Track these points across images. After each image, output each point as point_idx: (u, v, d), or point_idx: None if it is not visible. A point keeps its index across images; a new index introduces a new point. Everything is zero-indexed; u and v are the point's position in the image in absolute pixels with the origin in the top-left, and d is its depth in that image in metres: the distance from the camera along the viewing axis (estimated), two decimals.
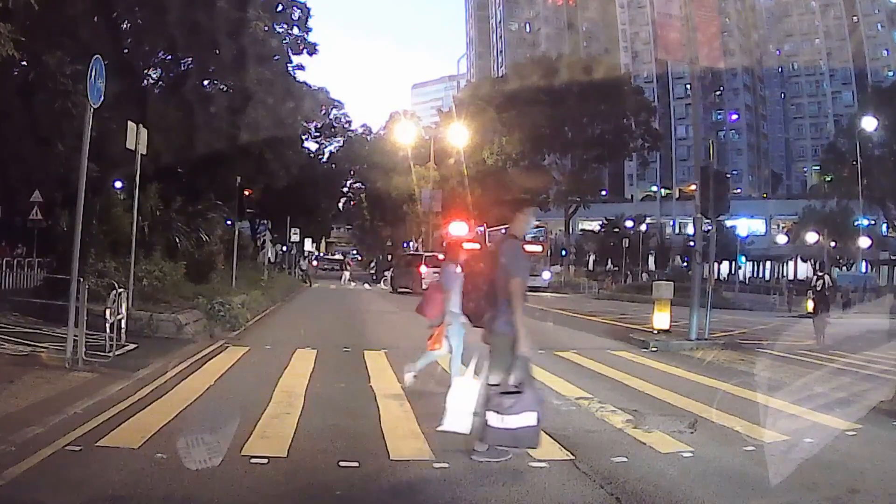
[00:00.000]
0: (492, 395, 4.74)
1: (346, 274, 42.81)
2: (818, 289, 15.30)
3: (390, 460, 4.83)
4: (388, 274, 43.47)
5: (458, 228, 41.64)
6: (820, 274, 16.28)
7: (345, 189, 59.72)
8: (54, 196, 16.57)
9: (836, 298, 20.76)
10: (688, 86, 62.98)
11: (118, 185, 15.48)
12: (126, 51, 19.61)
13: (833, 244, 45.82)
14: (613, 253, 56.43)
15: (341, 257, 76.72)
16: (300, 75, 28.75)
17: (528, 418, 4.65)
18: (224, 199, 19.13)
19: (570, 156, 51.97)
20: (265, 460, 4.65)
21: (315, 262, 52.11)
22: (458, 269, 7.19)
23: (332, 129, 49.75)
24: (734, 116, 78.93)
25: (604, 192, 68.24)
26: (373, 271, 49.20)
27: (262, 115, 22.12)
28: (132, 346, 9.08)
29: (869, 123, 41.52)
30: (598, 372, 9.31)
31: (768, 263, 63.30)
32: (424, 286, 28.23)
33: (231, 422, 5.33)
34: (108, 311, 8.46)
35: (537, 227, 42.06)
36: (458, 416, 5.06)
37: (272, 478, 4.41)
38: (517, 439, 4.70)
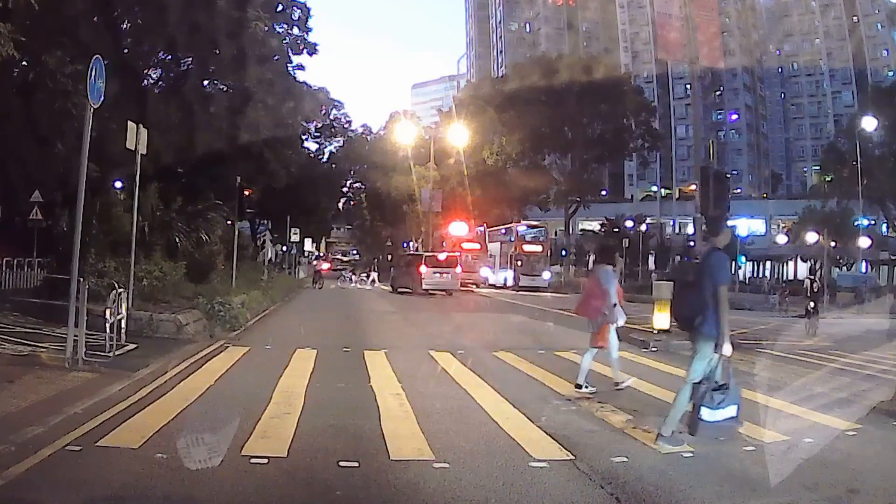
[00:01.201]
0: (703, 391, 5.29)
1: (374, 275, 42.60)
2: (814, 290, 17.32)
3: (390, 460, 4.83)
4: (345, 274, 43.61)
5: (458, 228, 41.72)
6: (812, 277, 18.83)
7: (345, 189, 59.78)
8: (54, 196, 16.54)
9: (825, 298, 23.07)
10: (688, 86, 63.03)
11: (118, 185, 15.47)
12: (126, 51, 19.58)
13: (833, 244, 45.76)
14: None
15: (342, 257, 76.66)
16: (300, 75, 28.81)
17: (731, 411, 5.30)
18: (224, 199, 19.09)
19: (570, 156, 51.97)
20: (265, 460, 4.65)
21: (314, 264, 51.96)
22: (614, 270, 7.96)
23: (332, 129, 49.79)
24: (734, 116, 78.85)
25: (604, 192, 68.22)
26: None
27: (262, 115, 22.12)
28: (132, 346, 9.07)
29: (869, 123, 41.43)
30: (598, 372, 9.29)
31: (768, 263, 63.25)
32: (424, 286, 28.41)
33: (231, 422, 5.34)
34: (108, 311, 8.46)
35: (537, 227, 42.13)
36: (676, 416, 5.55)
37: (272, 478, 4.41)
38: (721, 430, 5.33)
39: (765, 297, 34.73)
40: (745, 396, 7.50)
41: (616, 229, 60.06)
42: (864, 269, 47.88)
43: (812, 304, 17.30)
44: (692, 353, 5.49)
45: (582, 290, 8.61)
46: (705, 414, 5.22)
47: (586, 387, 7.58)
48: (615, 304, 7.77)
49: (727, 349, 5.23)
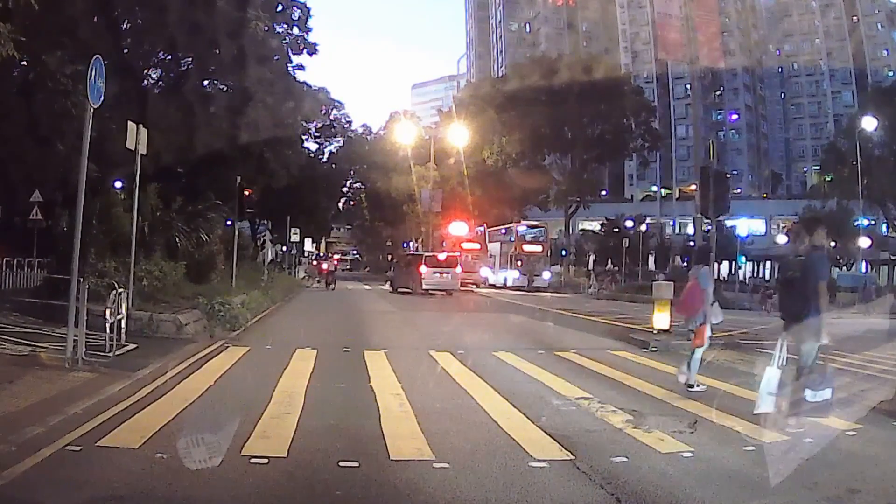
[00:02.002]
0: (806, 375, 5.96)
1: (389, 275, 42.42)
2: None
3: (390, 460, 4.83)
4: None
5: (458, 228, 41.73)
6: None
7: (345, 189, 59.72)
8: (54, 196, 16.55)
9: None
10: (688, 86, 62.95)
11: (118, 185, 15.46)
12: (126, 51, 19.57)
13: (833, 244, 45.73)
14: (613, 253, 56.34)
15: (342, 256, 76.77)
16: (300, 75, 28.78)
17: (828, 394, 5.95)
18: (224, 199, 19.09)
19: (570, 156, 51.93)
20: (265, 460, 4.65)
21: (315, 263, 51.82)
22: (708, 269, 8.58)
23: (332, 130, 49.74)
24: (734, 116, 78.76)
25: (604, 192, 68.19)
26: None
27: (262, 115, 22.09)
28: (132, 346, 9.07)
29: (869, 123, 41.40)
30: (598, 372, 9.31)
31: (768, 263, 63.26)
32: (424, 286, 28.38)
33: (231, 422, 5.34)
34: (108, 311, 8.45)
35: (537, 227, 42.13)
36: (767, 399, 6.10)
37: (272, 478, 4.41)
38: (818, 410, 5.92)
39: (748, 295, 34.55)
40: (744, 397, 7.56)
41: (616, 229, 60.10)
42: (864, 269, 47.88)
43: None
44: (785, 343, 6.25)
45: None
46: (808, 395, 5.84)
47: (698, 386, 7.87)
48: (714, 303, 8.24)
49: (825, 338, 5.97)
